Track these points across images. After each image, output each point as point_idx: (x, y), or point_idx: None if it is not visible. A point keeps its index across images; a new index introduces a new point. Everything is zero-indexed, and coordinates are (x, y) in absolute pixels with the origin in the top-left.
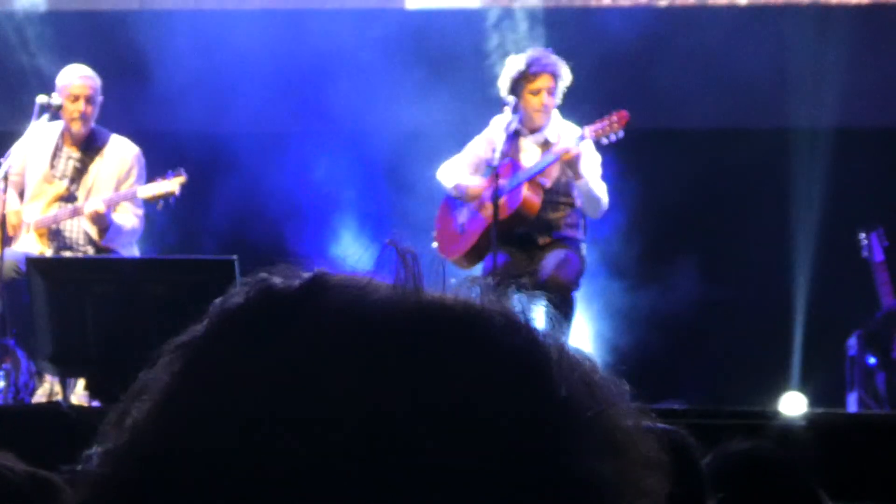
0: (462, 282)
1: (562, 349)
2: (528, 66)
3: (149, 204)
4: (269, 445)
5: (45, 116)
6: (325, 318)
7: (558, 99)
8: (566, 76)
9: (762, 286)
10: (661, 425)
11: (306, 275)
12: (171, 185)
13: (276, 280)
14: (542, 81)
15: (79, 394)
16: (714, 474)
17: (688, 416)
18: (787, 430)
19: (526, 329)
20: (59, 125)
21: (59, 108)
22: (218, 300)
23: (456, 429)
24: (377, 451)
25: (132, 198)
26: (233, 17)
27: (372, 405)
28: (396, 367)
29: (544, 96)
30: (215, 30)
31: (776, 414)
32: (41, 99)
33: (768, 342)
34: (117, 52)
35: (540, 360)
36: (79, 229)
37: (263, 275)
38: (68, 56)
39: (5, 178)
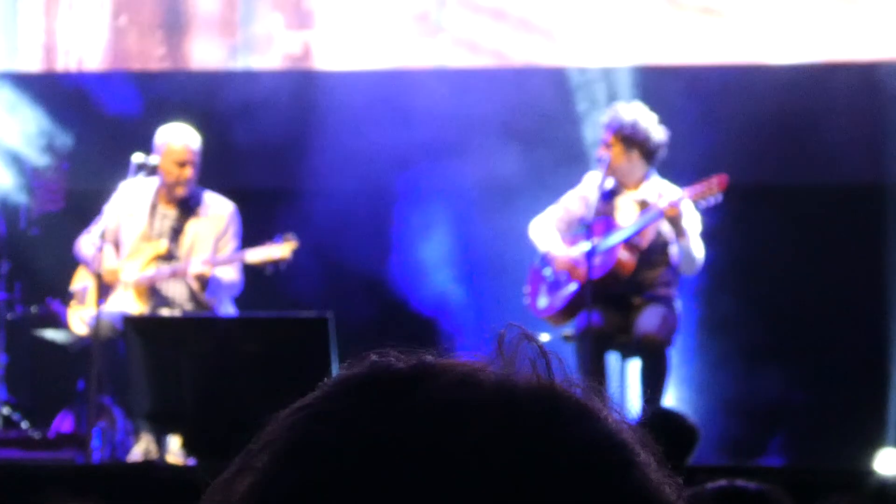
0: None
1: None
2: (605, 121)
3: (257, 267)
4: None
5: (141, 174)
6: (432, 397)
7: (628, 157)
8: (639, 133)
9: (858, 340)
10: (754, 485)
11: (416, 358)
12: (282, 250)
13: (389, 359)
14: (603, 134)
15: (174, 452)
16: None
17: (784, 473)
18: (882, 488)
19: (617, 426)
20: (153, 182)
21: (156, 167)
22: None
23: None
24: None
25: (239, 261)
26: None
27: (468, 491)
28: (491, 458)
29: (602, 147)
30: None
31: (871, 472)
32: (137, 158)
33: (864, 398)
34: (210, 108)
35: (627, 464)
36: (178, 287)
37: (374, 355)
38: (160, 113)
39: (102, 236)
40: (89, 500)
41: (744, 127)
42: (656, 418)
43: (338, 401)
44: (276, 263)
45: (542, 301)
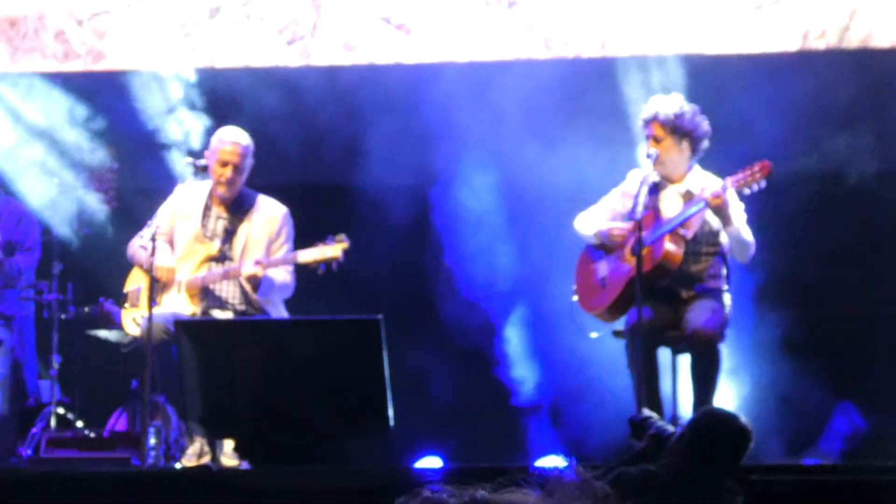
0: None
1: None
2: (644, 113)
3: (309, 268)
4: None
5: (191, 177)
6: None
7: (679, 149)
8: (687, 123)
9: None
10: None
11: (473, 492)
12: (334, 250)
13: (444, 496)
14: (651, 128)
15: (228, 454)
16: None
17: (836, 471)
18: None
19: None
20: (207, 184)
21: (204, 168)
22: None
23: None
24: None
25: (292, 262)
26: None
27: None
28: None
29: (650, 143)
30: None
31: None
32: (186, 161)
33: None
34: (274, 107)
35: None
36: (230, 288)
37: (428, 493)
38: (216, 114)
39: (153, 237)
40: None
41: (794, 114)
42: (708, 421)
43: None
44: (327, 263)
45: (591, 297)
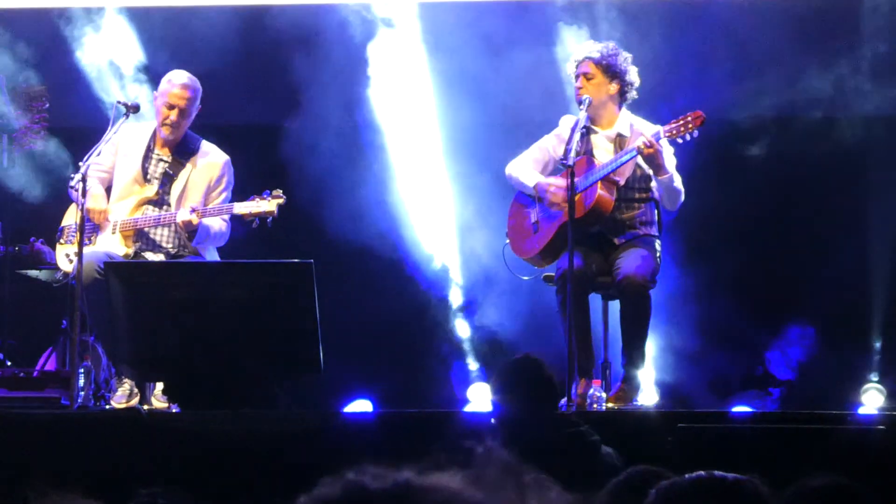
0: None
1: None
2: (577, 54)
3: (244, 221)
4: None
5: (125, 118)
6: None
7: (608, 89)
8: (619, 64)
9: (840, 274)
10: (732, 476)
11: (396, 476)
12: (270, 205)
13: (367, 479)
14: (584, 66)
15: (158, 395)
16: None
17: (765, 420)
18: (863, 437)
19: None
20: (151, 125)
21: (136, 109)
22: (305, 498)
23: None
24: None
25: (227, 213)
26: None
27: None
28: None
29: (580, 80)
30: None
31: (852, 416)
32: (116, 102)
33: (847, 333)
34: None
35: None
36: (164, 230)
37: (352, 475)
38: (150, 52)
39: (84, 179)
40: (70, 491)
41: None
42: (500, 368)
43: None
44: (262, 218)
45: (523, 242)
